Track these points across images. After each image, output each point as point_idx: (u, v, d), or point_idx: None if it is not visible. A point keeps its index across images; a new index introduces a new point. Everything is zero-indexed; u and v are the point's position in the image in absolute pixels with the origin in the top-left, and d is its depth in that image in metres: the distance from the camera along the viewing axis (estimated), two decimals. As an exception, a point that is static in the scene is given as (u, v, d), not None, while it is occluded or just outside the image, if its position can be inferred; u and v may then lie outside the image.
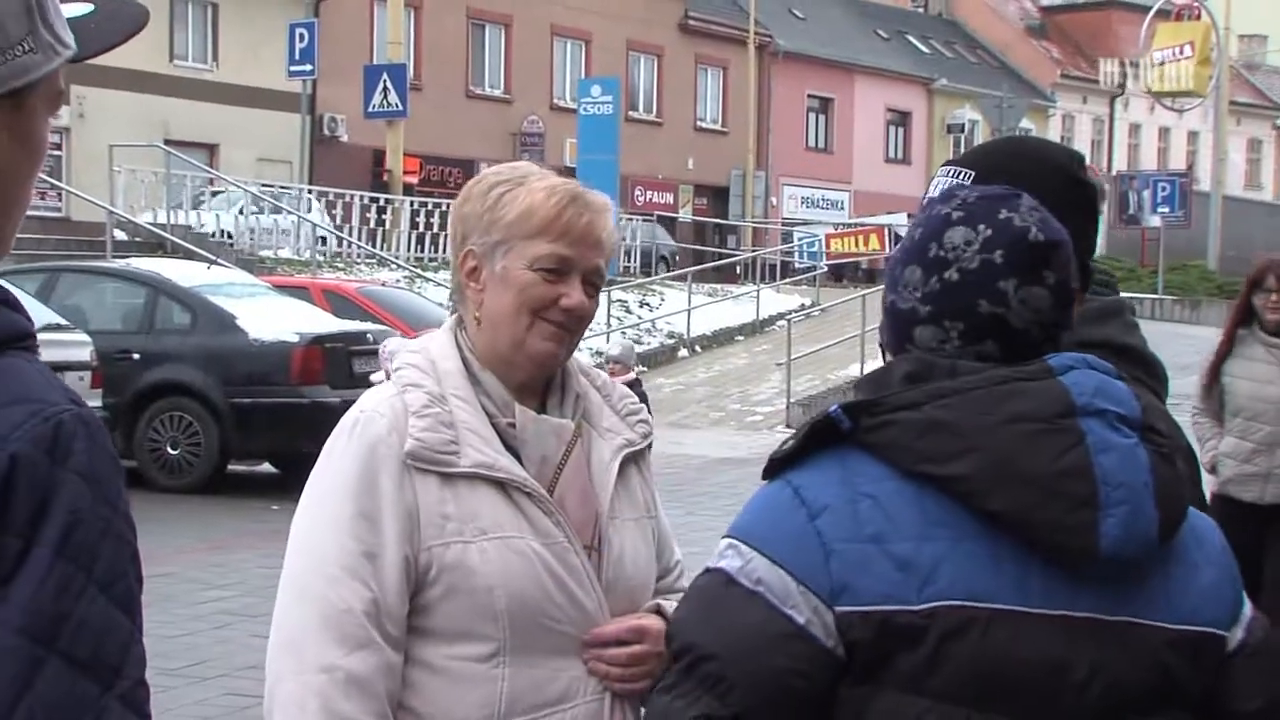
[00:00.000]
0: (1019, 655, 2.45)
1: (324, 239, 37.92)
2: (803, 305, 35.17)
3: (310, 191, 40.27)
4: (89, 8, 2.17)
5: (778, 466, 2.61)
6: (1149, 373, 3.34)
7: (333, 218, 38.75)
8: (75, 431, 1.86)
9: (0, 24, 1.93)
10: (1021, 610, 2.46)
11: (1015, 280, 2.57)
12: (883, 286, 2.77)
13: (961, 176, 3.30)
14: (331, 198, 39.48)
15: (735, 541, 2.56)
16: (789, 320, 32.46)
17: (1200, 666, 2.56)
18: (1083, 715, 2.48)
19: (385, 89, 35.47)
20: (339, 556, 3.14)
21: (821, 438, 2.56)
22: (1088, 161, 3.73)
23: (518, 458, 3.26)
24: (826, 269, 39.72)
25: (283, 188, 40.41)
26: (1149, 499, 2.49)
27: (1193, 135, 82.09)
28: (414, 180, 41.44)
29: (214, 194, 38.48)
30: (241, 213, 37.43)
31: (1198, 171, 69.81)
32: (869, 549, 2.47)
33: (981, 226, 2.59)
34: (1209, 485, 8.40)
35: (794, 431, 2.68)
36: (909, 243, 2.69)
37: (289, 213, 38.79)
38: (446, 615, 3.19)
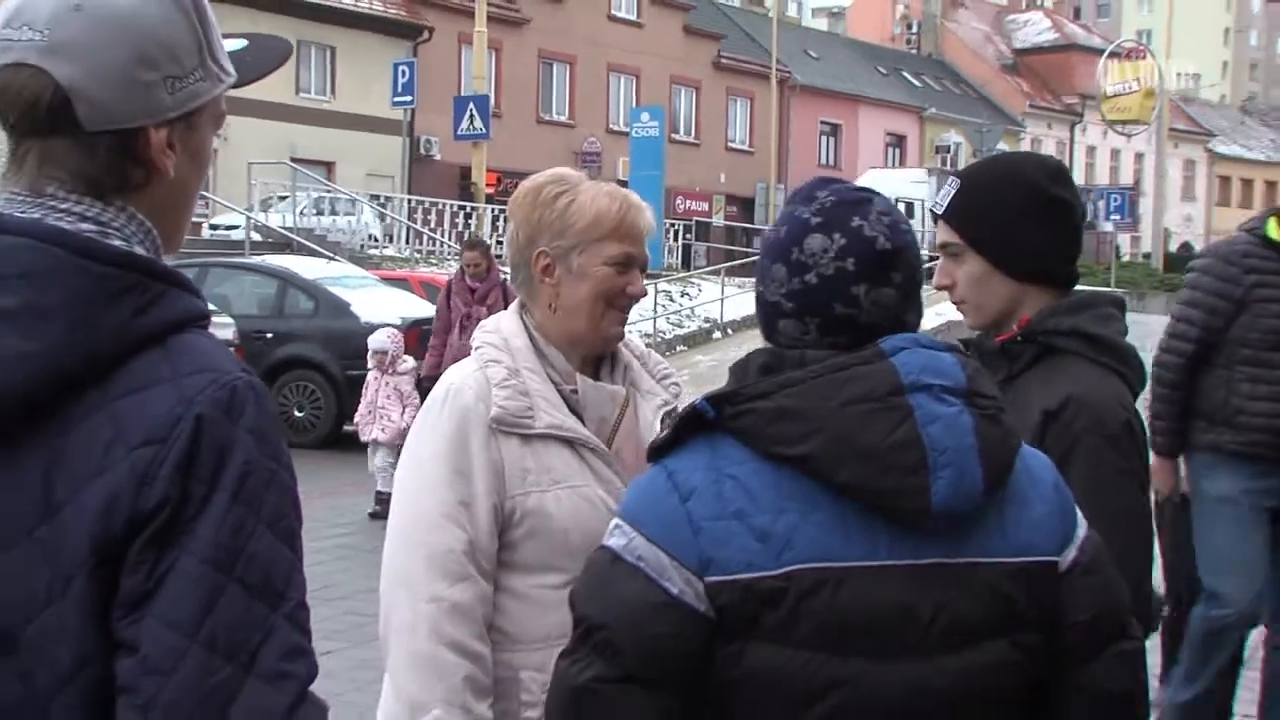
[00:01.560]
0: (869, 604, 2.38)
1: (421, 237, 38.11)
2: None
3: (408, 200, 40.34)
4: (243, 43, 2.23)
5: (658, 453, 2.54)
6: (1117, 358, 3.30)
7: (427, 222, 38.80)
8: (246, 395, 1.91)
9: (178, 57, 1.99)
10: (870, 565, 2.39)
11: (865, 285, 2.50)
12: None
13: (953, 184, 3.41)
14: (427, 205, 39.48)
15: (620, 523, 2.49)
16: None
17: (1037, 590, 2.49)
18: (928, 649, 2.41)
19: (471, 115, 35.15)
20: (439, 506, 3.21)
21: (692, 427, 2.50)
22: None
23: (580, 419, 3.32)
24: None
25: (387, 197, 40.39)
26: (974, 459, 2.42)
27: (1139, 156, 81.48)
28: (492, 191, 41.11)
29: (332, 202, 38.52)
30: (352, 216, 37.81)
31: (1143, 186, 69.18)
32: (732, 524, 2.40)
33: (836, 235, 2.51)
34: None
35: (666, 423, 2.63)
36: (776, 239, 2.60)
37: (393, 218, 39.06)
38: (529, 552, 3.26)
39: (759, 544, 2.38)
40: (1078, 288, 3.46)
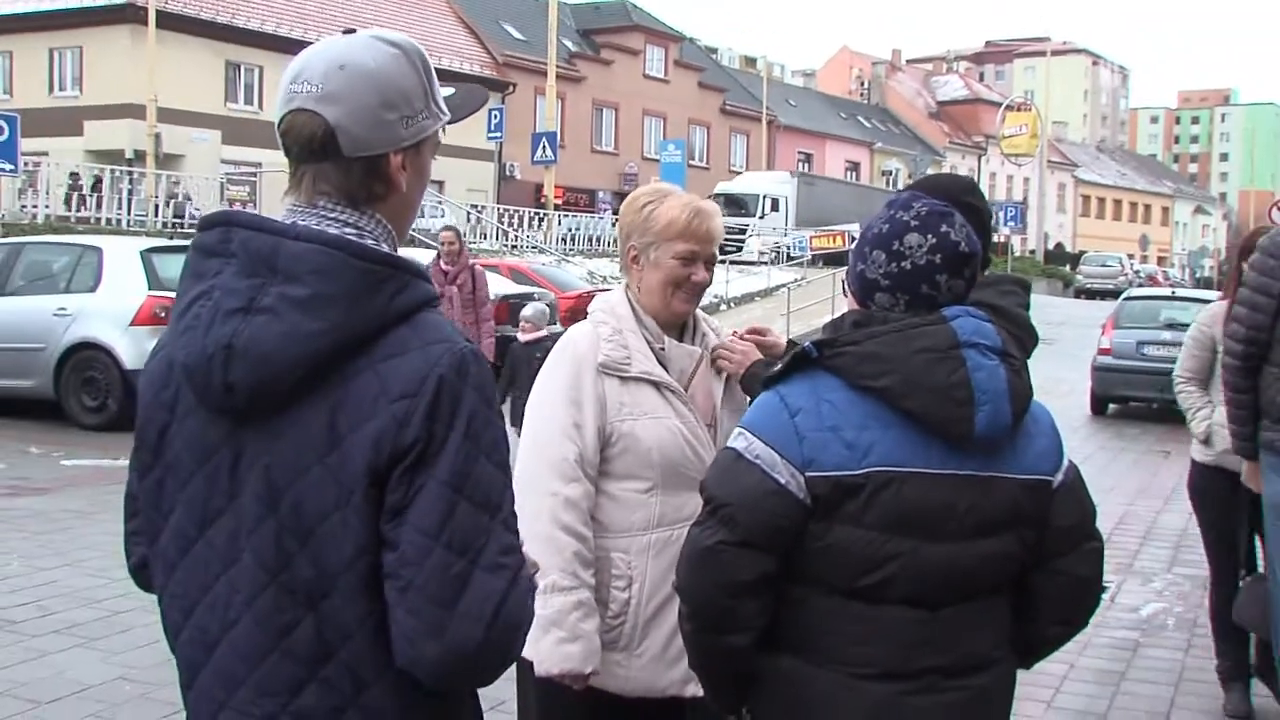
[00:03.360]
0: (923, 500, 2.48)
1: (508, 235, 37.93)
2: (796, 279, 34.88)
3: (497, 208, 40.33)
4: (451, 90, 2.28)
5: (771, 381, 2.62)
6: (1012, 323, 3.16)
7: (512, 224, 38.76)
8: (471, 360, 1.97)
9: (410, 101, 2.08)
10: (927, 471, 2.49)
11: (946, 275, 2.58)
12: (849, 264, 2.75)
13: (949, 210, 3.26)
14: (511, 212, 39.51)
15: (743, 431, 2.57)
16: (788, 288, 32.20)
17: (1038, 500, 2.59)
18: (961, 535, 2.50)
19: (544, 146, 35.45)
20: (559, 426, 3.27)
21: (799, 364, 2.58)
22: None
23: (666, 369, 3.34)
24: (810, 257, 39.43)
25: (482, 207, 40.31)
26: (1006, 400, 2.52)
27: (1026, 180, 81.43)
28: (559, 202, 41.38)
29: (441, 213, 38.35)
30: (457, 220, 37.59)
31: (1030, 201, 68.92)
32: (828, 435, 2.48)
33: (929, 236, 2.57)
34: (1201, 456, 6.09)
35: (782, 359, 2.72)
36: (878, 233, 2.63)
37: (488, 221, 38.76)
38: (621, 464, 3.29)
39: (847, 450, 2.47)
40: (989, 272, 3.48)
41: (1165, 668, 6.81)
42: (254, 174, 33.86)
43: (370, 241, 2.02)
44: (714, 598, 2.51)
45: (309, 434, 1.93)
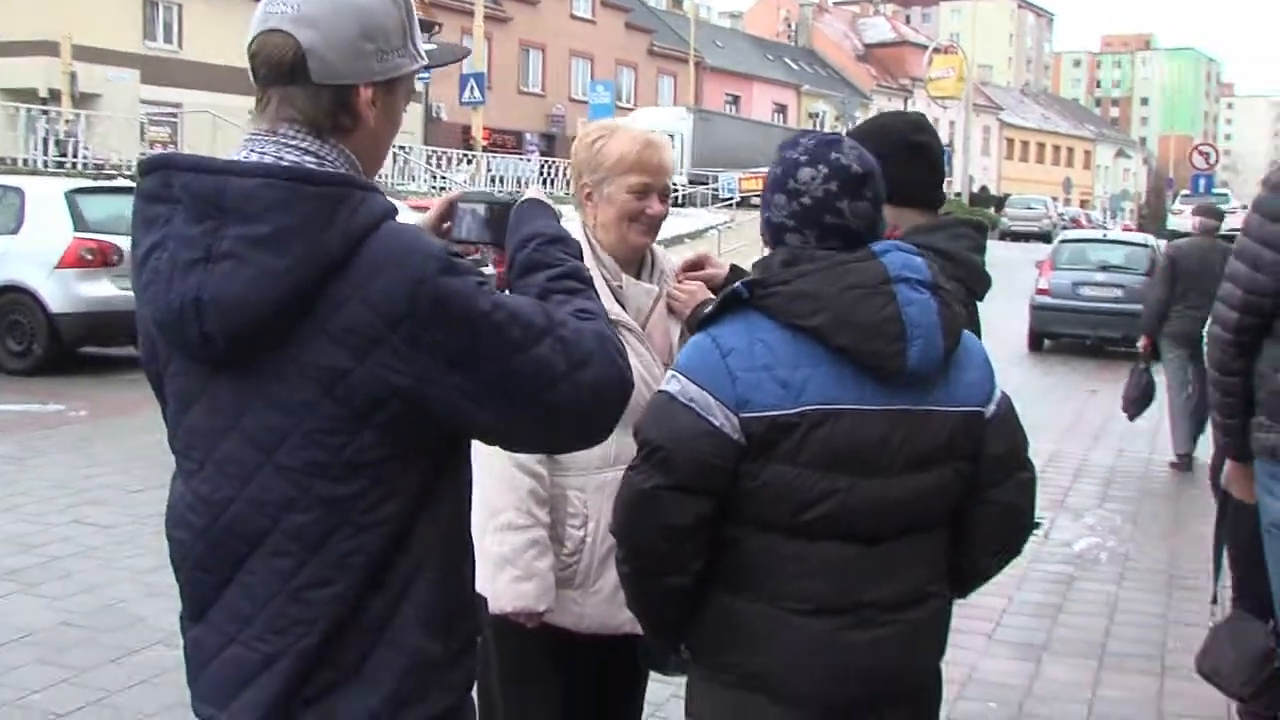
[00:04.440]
0: (857, 436, 2.48)
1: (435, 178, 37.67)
2: (725, 221, 34.89)
3: (425, 150, 40.06)
4: (434, 46, 2.27)
5: (703, 324, 2.60)
6: (960, 267, 3.25)
7: (440, 167, 38.48)
8: (446, 257, 1.95)
9: (388, 35, 2.03)
10: (860, 408, 2.49)
11: (847, 200, 2.56)
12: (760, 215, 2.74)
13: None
14: (439, 154, 39.23)
15: (675, 374, 2.55)
16: (718, 229, 32.30)
17: (971, 432, 2.61)
18: (897, 468, 2.52)
19: (472, 87, 35.09)
20: None
21: (731, 304, 2.56)
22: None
23: (624, 307, 3.25)
24: (739, 198, 39.48)
25: (409, 149, 39.94)
26: (937, 334, 2.52)
27: (952, 123, 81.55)
28: (487, 143, 41.07)
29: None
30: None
31: (955, 145, 69.33)
32: (761, 375, 2.48)
33: (820, 166, 2.57)
34: None
35: (714, 299, 2.72)
36: (774, 178, 2.63)
37: (415, 163, 38.44)
38: None
39: (781, 390, 2.47)
40: (943, 214, 3.48)
41: (1099, 600, 6.95)
42: (174, 115, 33.28)
43: (330, 170, 1.98)
44: (653, 541, 2.52)
45: (309, 370, 1.91)
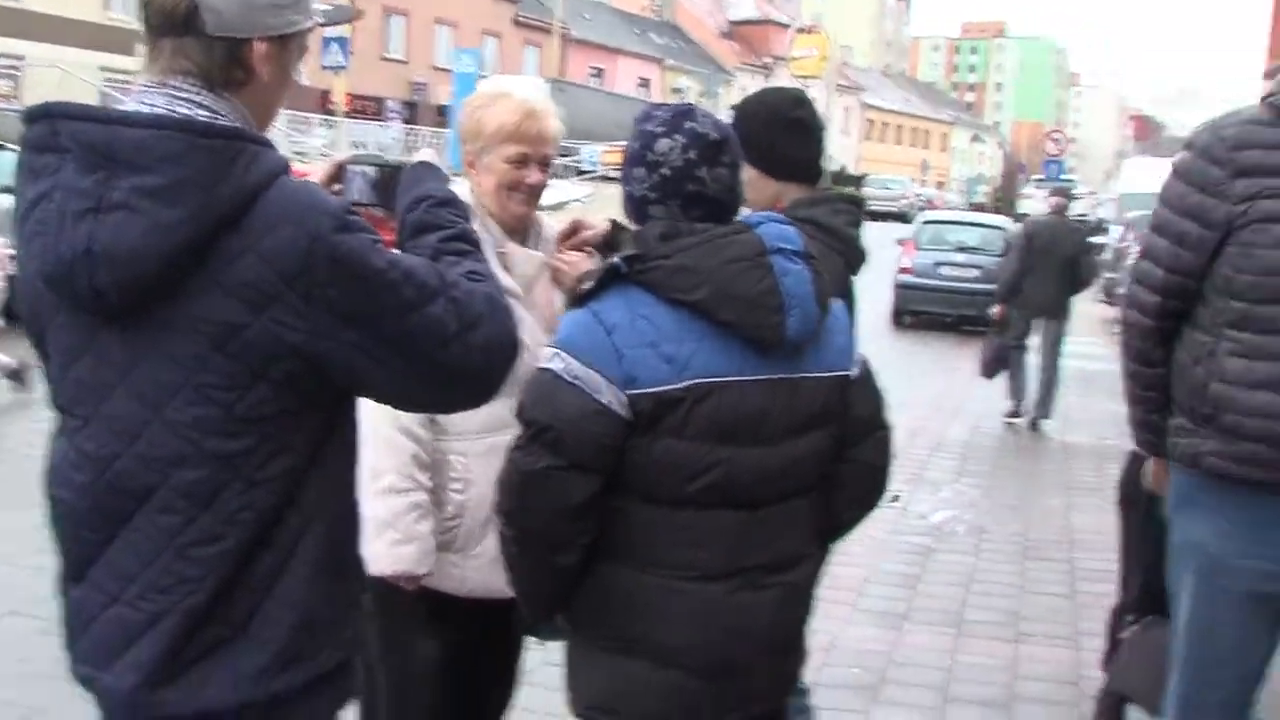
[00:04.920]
0: (740, 407, 2.52)
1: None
2: (588, 194, 34.83)
3: (284, 114, 39.39)
4: (327, 6, 2.32)
5: (583, 299, 2.57)
6: (840, 241, 3.32)
7: (299, 131, 37.89)
8: (341, 212, 1.97)
9: None
10: (742, 379, 2.52)
11: (706, 167, 2.58)
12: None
13: (731, 114, 3.32)
14: (299, 119, 38.61)
15: (559, 351, 2.53)
16: (581, 201, 32.25)
17: (839, 395, 2.68)
18: (777, 436, 2.56)
19: (334, 51, 34.57)
20: None
21: (611, 279, 2.54)
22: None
23: (510, 274, 3.22)
24: (601, 173, 39.39)
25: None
26: (812, 303, 2.57)
27: (814, 101, 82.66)
28: (347, 109, 40.51)
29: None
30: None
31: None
32: (646, 351, 2.48)
33: (677, 136, 2.58)
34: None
35: (591, 274, 2.68)
36: (633, 152, 2.64)
37: (276, 126, 37.75)
38: None
39: (666, 365, 2.48)
40: (822, 190, 3.55)
41: (958, 570, 7.11)
42: (17, 68, 32.21)
43: (224, 124, 1.96)
44: (547, 521, 2.52)
45: (200, 325, 1.90)
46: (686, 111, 2.65)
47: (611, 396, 2.47)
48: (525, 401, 2.56)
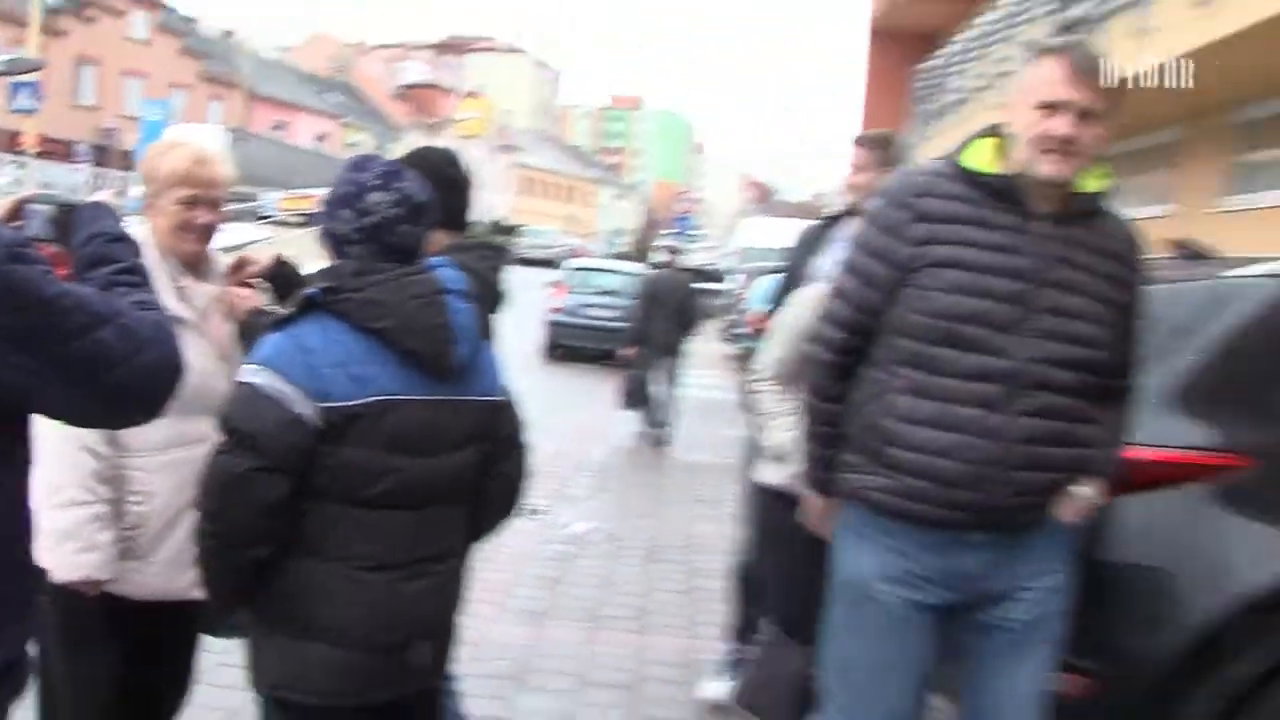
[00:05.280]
0: (414, 422, 2.65)
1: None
2: (267, 237, 33.84)
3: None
4: (11, 56, 2.07)
5: (282, 323, 2.66)
6: (487, 286, 3.43)
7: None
8: (15, 239, 1.92)
9: None
10: (415, 398, 2.66)
11: (408, 225, 2.71)
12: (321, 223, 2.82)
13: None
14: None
15: (260, 367, 2.60)
16: (260, 244, 31.31)
17: (493, 417, 2.87)
18: (442, 448, 2.71)
19: (23, 95, 32.56)
20: None
21: (307, 307, 2.65)
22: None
23: (187, 306, 3.24)
24: (280, 218, 38.28)
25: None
26: (475, 336, 2.78)
27: (476, 159, 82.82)
28: (38, 150, 38.20)
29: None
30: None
31: (477, 179, 70.14)
32: (337, 370, 2.58)
33: (389, 192, 2.70)
34: (774, 477, 4.04)
35: (289, 303, 2.79)
36: (344, 194, 2.72)
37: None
38: None
39: (353, 383, 2.59)
40: (471, 238, 3.63)
41: (594, 573, 7.26)
42: None
43: None
44: (247, 518, 2.58)
45: None
46: (398, 172, 2.76)
47: (306, 409, 2.56)
48: (229, 411, 2.61)
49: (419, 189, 2.75)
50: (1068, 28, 14.73)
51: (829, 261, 4.41)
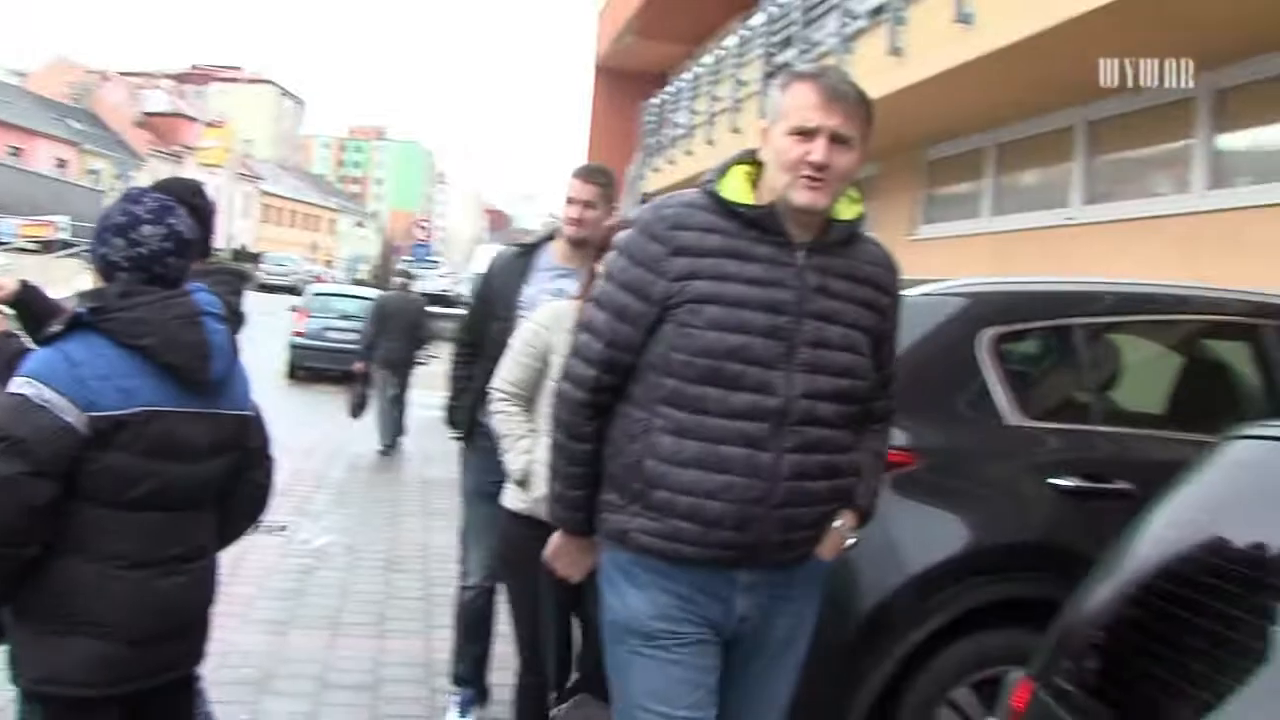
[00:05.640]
0: (173, 431, 2.77)
1: None
2: (6, 264, 31.78)
3: None
4: None
5: (51, 339, 2.73)
6: (228, 309, 3.29)
7: None
8: None
9: None
10: (175, 409, 2.77)
11: (175, 257, 2.84)
12: (92, 247, 2.90)
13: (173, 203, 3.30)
14: None
15: (30, 379, 2.66)
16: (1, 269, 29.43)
17: (244, 429, 3.00)
18: (199, 456, 2.83)
19: None
20: None
21: (75, 325, 2.73)
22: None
23: None
24: (20, 244, 36.01)
25: None
26: (230, 353, 2.92)
27: (218, 188, 79.54)
28: None
29: None
30: None
31: (220, 206, 67.65)
32: (104, 383, 2.67)
33: (161, 226, 2.82)
34: (514, 502, 3.89)
35: (42, 326, 2.93)
36: (117, 224, 2.82)
37: None
38: None
39: (120, 395, 2.68)
40: (212, 263, 3.72)
41: (335, 583, 7.26)
42: None
43: None
44: (15, 519, 2.62)
45: None
46: (171, 208, 2.87)
47: (74, 418, 2.63)
48: (1, 419, 2.64)
49: (187, 226, 2.88)
50: (771, 73, 15.52)
51: (535, 290, 4.44)
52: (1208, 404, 4.35)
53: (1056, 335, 4.26)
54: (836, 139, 2.58)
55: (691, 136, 19.80)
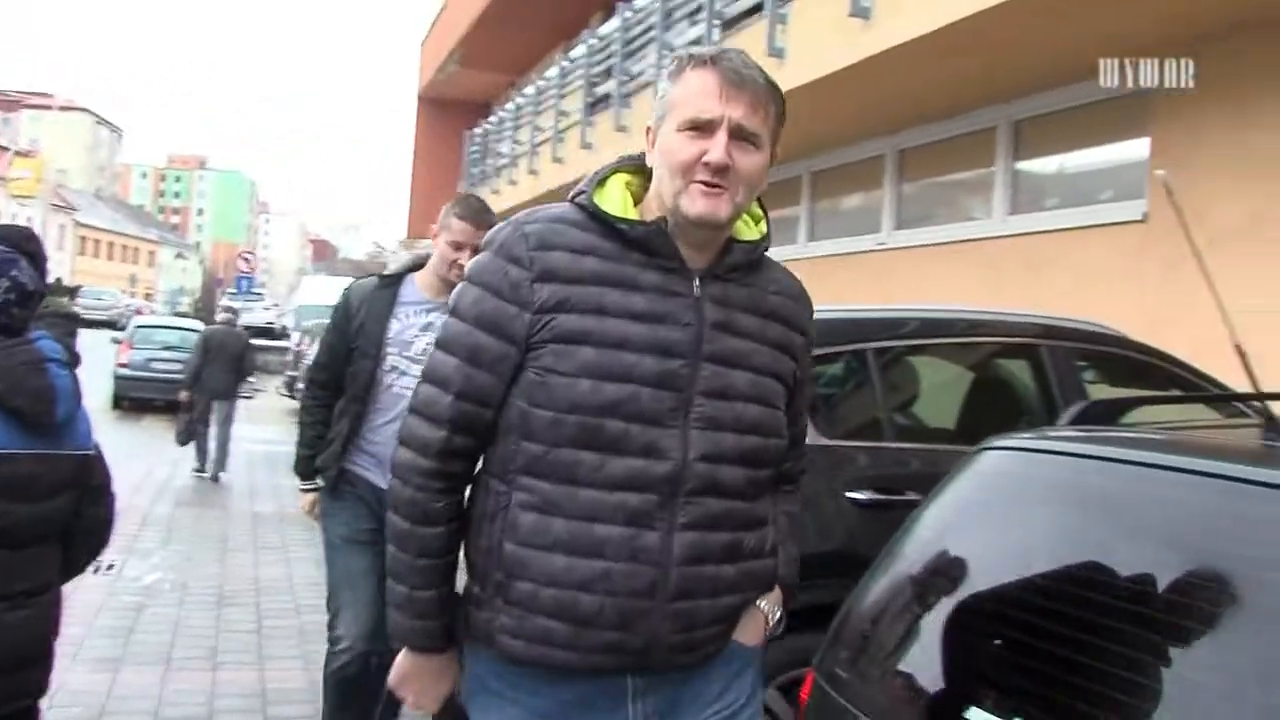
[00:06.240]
0: (19, 472, 2.89)
1: None
2: None
3: None
4: None
5: None
6: (68, 351, 3.30)
7: None
8: None
9: None
10: (21, 451, 2.90)
11: (17, 309, 2.97)
12: None
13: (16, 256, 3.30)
14: None
15: None
16: None
17: (86, 468, 3.09)
18: (41, 496, 2.94)
19: None
20: None
21: None
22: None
23: None
24: None
25: None
26: (72, 398, 3.02)
27: (30, 219, 76.36)
28: None
29: None
30: None
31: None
32: None
33: (2, 279, 2.95)
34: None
35: None
36: None
37: None
38: None
39: None
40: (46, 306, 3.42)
41: (166, 620, 7.16)
42: None
43: None
44: None
45: None
46: (14, 260, 2.98)
47: None
48: None
49: (30, 278, 2.99)
50: (594, 103, 15.81)
51: (403, 326, 4.18)
52: (994, 419, 4.56)
53: (856, 359, 4.48)
54: (740, 135, 2.01)
55: (515, 166, 20.05)
